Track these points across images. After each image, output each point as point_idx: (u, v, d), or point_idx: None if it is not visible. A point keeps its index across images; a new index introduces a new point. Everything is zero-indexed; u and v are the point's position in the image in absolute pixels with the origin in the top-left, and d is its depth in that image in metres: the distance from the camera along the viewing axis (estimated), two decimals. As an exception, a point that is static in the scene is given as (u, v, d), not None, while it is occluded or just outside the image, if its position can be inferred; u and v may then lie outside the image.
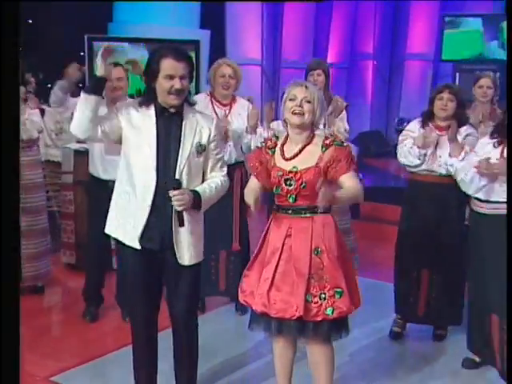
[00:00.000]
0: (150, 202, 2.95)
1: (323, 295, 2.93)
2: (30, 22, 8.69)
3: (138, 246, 2.99)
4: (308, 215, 2.99)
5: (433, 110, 4.04)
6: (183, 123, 2.99)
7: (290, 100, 2.97)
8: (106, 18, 8.41)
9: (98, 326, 4.43)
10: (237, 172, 4.50)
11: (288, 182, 2.95)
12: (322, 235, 2.96)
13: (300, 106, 2.93)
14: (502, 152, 3.42)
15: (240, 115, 4.50)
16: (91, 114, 2.91)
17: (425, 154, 3.98)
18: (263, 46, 9.75)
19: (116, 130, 3.00)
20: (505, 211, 3.34)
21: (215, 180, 3.06)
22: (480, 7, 9.86)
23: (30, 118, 4.67)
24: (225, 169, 3.14)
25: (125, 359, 3.38)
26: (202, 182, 3.06)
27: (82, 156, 5.20)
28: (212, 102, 4.46)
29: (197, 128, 3.01)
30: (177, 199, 2.87)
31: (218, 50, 8.50)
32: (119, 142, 3.05)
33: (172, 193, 2.87)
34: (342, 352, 3.57)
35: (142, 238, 3.00)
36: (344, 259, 3.03)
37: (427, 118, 4.09)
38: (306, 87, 2.97)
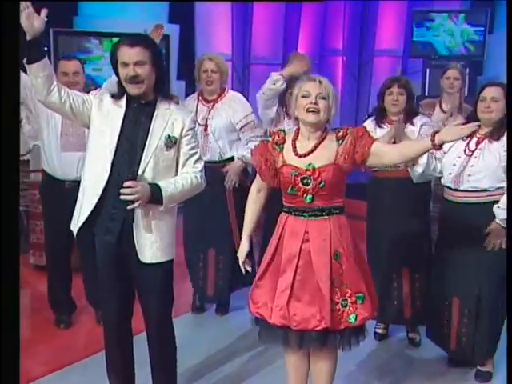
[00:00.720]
0: (99, 191, 2.77)
1: (345, 302, 2.77)
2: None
3: (74, 230, 2.88)
4: (325, 217, 2.78)
5: (383, 105, 3.96)
6: (154, 114, 2.82)
7: (303, 97, 2.74)
8: (72, 11, 8.18)
9: (72, 331, 4.26)
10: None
11: (305, 181, 2.73)
12: (339, 237, 2.78)
13: (315, 104, 2.71)
14: (468, 145, 3.54)
15: (224, 110, 4.28)
16: (44, 78, 2.70)
17: None
18: (233, 42, 9.64)
19: (84, 109, 2.83)
20: (474, 199, 3.49)
21: (185, 176, 2.86)
22: (448, 4, 9.89)
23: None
24: (199, 165, 2.91)
25: (100, 364, 3.19)
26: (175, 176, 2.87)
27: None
28: (198, 100, 4.29)
29: (169, 120, 2.82)
30: (127, 191, 2.68)
31: (188, 45, 8.37)
32: (85, 124, 2.89)
33: (123, 190, 2.68)
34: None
35: (101, 228, 2.84)
36: (361, 261, 2.87)
37: (380, 114, 4.01)
38: (320, 82, 2.75)
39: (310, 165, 2.73)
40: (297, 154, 2.78)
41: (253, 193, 3.00)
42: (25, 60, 2.67)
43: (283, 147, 2.83)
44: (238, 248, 3.74)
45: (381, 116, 3.98)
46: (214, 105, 4.31)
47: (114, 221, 2.82)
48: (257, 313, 2.88)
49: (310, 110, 2.72)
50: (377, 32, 10.46)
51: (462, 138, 3.46)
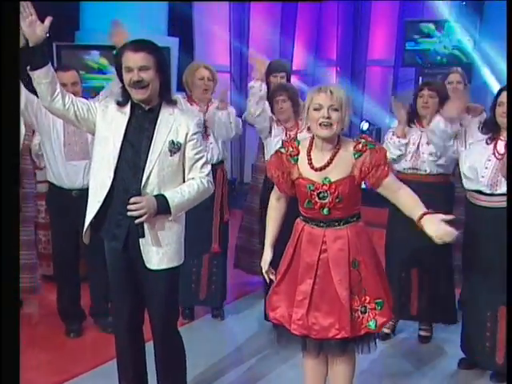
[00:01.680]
0: (102, 198, 2.72)
1: (363, 308, 2.71)
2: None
3: (85, 240, 2.83)
4: (342, 226, 2.71)
5: (415, 107, 4.01)
6: (158, 120, 2.76)
7: (315, 110, 2.63)
8: (73, 26, 8.15)
9: (82, 340, 4.19)
10: (218, 172, 4.29)
11: (321, 195, 2.65)
12: (357, 245, 2.71)
13: (328, 118, 2.60)
14: (495, 148, 3.46)
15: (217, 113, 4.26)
16: (46, 83, 2.66)
17: (406, 144, 3.95)
18: (231, 54, 9.63)
19: (89, 116, 2.79)
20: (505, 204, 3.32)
21: (191, 183, 2.79)
22: (437, 14, 9.90)
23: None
24: (206, 170, 2.84)
25: (112, 373, 3.13)
26: (183, 182, 2.80)
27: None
28: (191, 105, 4.26)
29: (173, 125, 2.76)
30: (133, 208, 2.64)
31: (187, 57, 8.34)
32: (91, 131, 2.85)
33: (129, 206, 2.64)
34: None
35: (108, 234, 2.81)
36: (378, 266, 2.80)
37: (411, 116, 4.04)
38: (332, 92, 2.61)
39: (326, 179, 2.65)
40: (312, 167, 2.69)
41: (272, 202, 2.94)
42: (28, 67, 2.63)
43: (298, 158, 2.74)
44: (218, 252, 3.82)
45: (412, 117, 4.02)
46: (207, 109, 4.29)
47: (120, 227, 2.76)
48: (275, 319, 2.83)
49: (322, 123, 2.61)
50: (369, 43, 10.42)
51: (486, 142, 3.48)
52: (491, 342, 3.55)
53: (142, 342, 3.01)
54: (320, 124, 2.62)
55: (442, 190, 3.91)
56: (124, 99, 2.80)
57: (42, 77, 2.64)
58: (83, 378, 3.60)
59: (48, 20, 2.62)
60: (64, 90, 2.78)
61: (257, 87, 4.09)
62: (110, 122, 2.77)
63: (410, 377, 3.68)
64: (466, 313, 3.78)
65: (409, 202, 2.68)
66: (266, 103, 4.19)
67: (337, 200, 2.64)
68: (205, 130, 4.20)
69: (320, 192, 2.66)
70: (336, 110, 2.61)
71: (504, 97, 3.40)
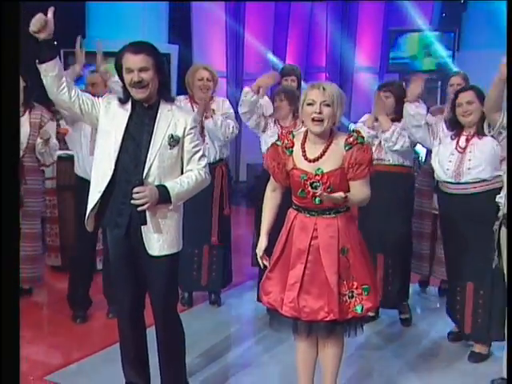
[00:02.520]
0: (102, 188, 2.71)
1: (351, 293, 2.69)
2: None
3: (89, 229, 2.82)
4: (333, 215, 2.70)
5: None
6: (157, 116, 2.75)
7: (309, 105, 2.62)
8: (80, 34, 8.12)
9: (87, 326, 4.17)
10: (217, 170, 4.28)
11: (314, 185, 2.63)
12: (347, 234, 2.69)
13: (320, 113, 2.59)
14: (458, 143, 3.62)
15: (215, 114, 4.26)
16: (55, 77, 2.65)
17: (375, 137, 3.99)
18: (227, 60, 9.61)
19: (93, 110, 2.78)
20: (475, 189, 3.53)
21: (190, 174, 2.78)
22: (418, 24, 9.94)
23: (53, 141, 4.35)
24: (203, 162, 2.83)
25: (116, 356, 3.10)
26: (182, 174, 2.80)
27: (64, 162, 4.95)
28: (191, 104, 4.23)
29: (172, 121, 2.75)
30: (136, 196, 2.63)
31: (186, 63, 8.33)
32: (94, 125, 2.85)
33: (133, 195, 2.64)
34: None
35: (111, 223, 2.79)
36: (365, 255, 2.78)
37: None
38: (324, 89, 2.59)
39: (318, 169, 2.64)
40: (306, 159, 2.68)
41: (268, 193, 2.93)
42: (37, 61, 2.62)
43: (293, 150, 2.73)
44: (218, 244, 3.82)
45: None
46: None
47: (121, 215, 2.74)
48: (268, 303, 2.81)
49: (314, 119, 2.61)
50: (356, 51, 10.46)
51: (451, 137, 3.64)
52: (461, 313, 3.70)
53: (143, 327, 2.99)
54: (313, 119, 2.61)
55: (403, 178, 4.02)
56: (125, 97, 2.78)
57: (48, 70, 2.63)
58: (89, 360, 3.59)
59: (51, 11, 2.58)
60: (71, 84, 2.77)
61: (249, 95, 4.09)
62: (112, 118, 2.76)
63: (395, 357, 3.69)
64: (450, 286, 3.93)
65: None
66: (263, 103, 4.26)
67: (328, 190, 2.61)
68: (201, 131, 4.18)
69: (313, 182, 2.64)
70: (328, 105, 2.60)
71: (462, 98, 3.56)
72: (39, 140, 4.23)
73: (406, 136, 3.91)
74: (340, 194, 2.54)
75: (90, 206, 2.77)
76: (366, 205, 3.98)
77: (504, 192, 3.32)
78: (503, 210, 3.14)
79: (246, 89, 4.13)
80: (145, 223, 2.70)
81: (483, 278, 3.54)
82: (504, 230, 3.14)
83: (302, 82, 4.66)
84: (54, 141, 4.34)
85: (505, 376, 3.25)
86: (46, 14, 2.55)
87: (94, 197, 2.76)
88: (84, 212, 4.06)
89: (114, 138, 2.72)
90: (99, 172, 2.77)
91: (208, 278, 4.39)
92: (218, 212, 4.36)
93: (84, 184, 3.95)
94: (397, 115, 3.99)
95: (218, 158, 4.31)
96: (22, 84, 4.21)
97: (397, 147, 3.93)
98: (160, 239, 2.76)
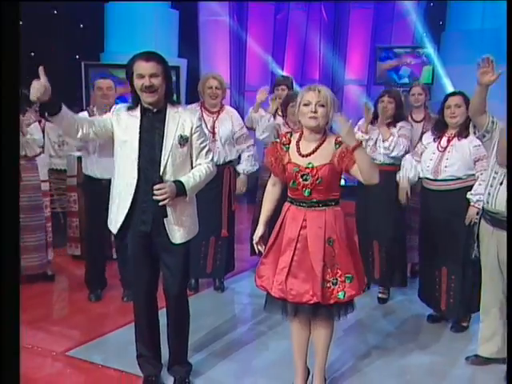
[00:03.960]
0: (132, 191, 2.71)
1: (335, 281, 2.67)
2: (33, 54, 8.33)
3: (114, 230, 2.80)
4: (321, 208, 2.69)
5: (377, 111, 4.08)
6: (166, 119, 2.74)
7: (305, 105, 2.62)
8: (99, 48, 8.14)
9: (103, 307, 4.17)
10: (226, 171, 4.30)
11: (304, 177, 2.64)
12: (334, 226, 2.67)
13: (315, 112, 2.60)
14: (439, 143, 3.65)
15: (226, 121, 4.27)
16: (66, 125, 2.67)
17: (366, 139, 4.01)
18: (231, 73, 9.60)
19: (107, 130, 2.76)
20: (450, 186, 3.54)
21: (200, 168, 2.80)
22: (404, 41, 9.94)
23: (32, 137, 4.31)
24: (210, 156, 2.86)
25: (129, 335, 3.10)
26: (192, 168, 2.80)
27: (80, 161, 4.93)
28: (202, 111, 4.21)
29: (179, 122, 2.75)
30: (158, 193, 2.63)
31: (194, 75, 8.34)
32: (111, 140, 2.81)
33: (155, 187, 2.64)
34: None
35: (137, 221, 2.77)
36: (352, 247, 2.77)
37: (374, 117, 4.11)
38: (319, 91, 2.61)
39: (309, 163, 2.65)
40: (300, 154, 2.69)
41: (269, 187, 2.92)
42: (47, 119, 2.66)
43: (289, 147, 2.74)
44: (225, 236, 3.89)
45: (374, 118, 4.10)
46: (217, 116, 4.26)
47: (146, 213, 2.75)
48: (261, 285, 2.80)
49: (310, 116, 2.61)
50: (346, 65, 10.44)
51: (434, 139, 3.67)
52: (438, 292, 3.76)
53: (155, 308, 2.99)
54: (309, 117, 2.62)
55: (393, 176, 4.01)
56: (134, 103, 2.77)
57: (58, 121, 2.63)
58: (106, 338, 3.59)
59: (42, 74, 2.47)
60: (81, 121, 2.74)
61: (265, 118, 4.30)
62: (125, 128, 2.75)
63: (380, 334, 3.69)
64: (421, 271, 4.01)
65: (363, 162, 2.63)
66: (271, 119, 4.43)
67: (317, 181, 2.62)
68: (213, 135, 4.19)
69: (303, 174, 2.64)
70: (322, 105, 2.61)
71: (450, 101, 3.60)
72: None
73: (401, 144, 3.96)
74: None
75: (124, 212, 2.75)
76: (363, 200, 4.12)
77: (476, 189, 3.42)
78: (483, 206, 3.15)
79: (264, 114, 4.31)
80: (166, 216, 2.72)
81: (455, 263, 3.60)
82: (483, 223, 3.15)
83: (299, 89, 4.68)
84: (36, 136, 4.34)
85: (479, 353, 3.29)
86: (38, 77, 2.46)
87: (125, 203, 2.74)
88: (91, 206, 4.10)
89: (131, 146, 2.72)
90: (125, 180, 2.75)
91: (212, 266, 4.39)
92: (227, 207, 4.36)
93: (92, 182, 4.07)
94: (396, 118, 4.03)
95: (227, 159, 4.30)
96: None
97: (393, 154, 4.00)
98: (181, 229, 2.79)
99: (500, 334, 3.17)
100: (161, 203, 2.66)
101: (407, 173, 3.87)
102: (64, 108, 2.60)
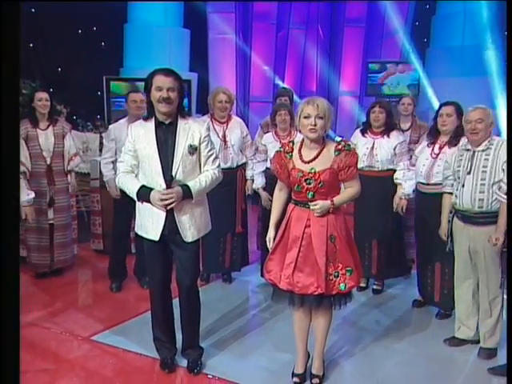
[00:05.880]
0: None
1: (337, 273, 2.67)
2: (60, 69, 8.35)
3: (157, 239, 2.79)
4: None
5: (369, 120, 4.03)
6: (177, 130, 2.74)
7: (305, 118, 2.61)
8: (118, 64, 8.15)
9: (123, 296, 4.17)
10: (238, 173, 4.31)
11: (308, 181, 2.63)
12: (335, 224, 2.66)
13: (314, 125, 2.59)
14: (433, 150, 3.60)
15: (236, 129, 4.27)
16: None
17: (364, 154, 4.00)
18: (237, 85, 9.60)
19: (135, 156, 2.80)
20: (440, 190, 3.44)
21: (207, 173, 2.80)
22: (392, 56, 9.93)
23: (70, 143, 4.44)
24: (216, 163, 2.85)
25: (147, 322, 3.10)
26: (200, 173, 2.81)
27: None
28: (212, 121, 4.20)
29: (189, 133, 2.75)
30: (166, 197, 2.67)
31: (204, 87, 8.35)
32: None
33: (163, 193, 2.68)
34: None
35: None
36: (350, 243, 2.76)
37: (366, 127, 4.08)
38: (318, 105, 2.60)
39: (312, 169, 2.64)
40: (303, 161, 2.68)
41: (276, 191, 2.92)
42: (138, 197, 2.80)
43: (292, 155, 2.73)
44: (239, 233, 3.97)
45: (367, 127, 4.06)
46: (227, 125, 4.25)
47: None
48: (269, 279, 2.79)
49: (310, 129, 2.61)
50: (340, 77, 10.43)
51: (428, 145, 3.65)
52: (432, 286, 3.75)
53: (170, 297, 3.00)
54: (309, 129, 2.62)
55: (390, 180, 4.00)
56: (149, 114, 2.79)
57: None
58: (126, 325, 3.59)
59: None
60: (134, 170, 2.83)
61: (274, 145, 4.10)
62: (145, 145, 2.75)
63: (372, 322, 3.67)
64: (419, 267, 3.93)
65: (343, 193, 2.73)
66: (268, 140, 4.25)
67: (319, 185, 2.62)
68: (224, 143, 4.19)
69: (307, 178, 2.64)
70: (321, 117, 2.60)
71: (443, 110, 3.57)
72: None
73: (405, 168, 3.92)
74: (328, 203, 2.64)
75: (160, 221, 2.76)
76: (362, 203, 4.03)
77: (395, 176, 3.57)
78: (456, 206, 3.19)
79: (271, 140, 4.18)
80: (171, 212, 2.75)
81: (448, 259, 3.53)
82: (455, 220, 3.22)
83: (298, 99, 4.68)
84: (71, 143, 4.47)
85: (456, 336, 3.34)
86: None
87: (161, 213, 2.75)
88: (116, 205, 4.12)
89: (154, 159, 2.73)
90: (155, 187, 2.75)
91: (230, 261, 4.38)
92: (241, 207, 4.36)
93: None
94: (387, 127, 3.98)
95: (239, 163, 4.30)
96: (48, 103, 4.25)
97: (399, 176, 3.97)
98: (191, 227, 2.80)
99: (474, 319, 3.24)
100: (168, 207, 2.69)
101: (407, 191, 3.88)
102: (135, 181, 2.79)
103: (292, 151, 2.74)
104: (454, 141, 3.51)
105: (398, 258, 4.22)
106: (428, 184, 3.59)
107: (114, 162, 4.01)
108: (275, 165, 2.79)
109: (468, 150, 3.11)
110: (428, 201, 3.61)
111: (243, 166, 4.35)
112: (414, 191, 3.86)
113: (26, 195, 3.49)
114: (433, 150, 3.60)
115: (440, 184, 3.49)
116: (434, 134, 3.64)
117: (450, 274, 3.56)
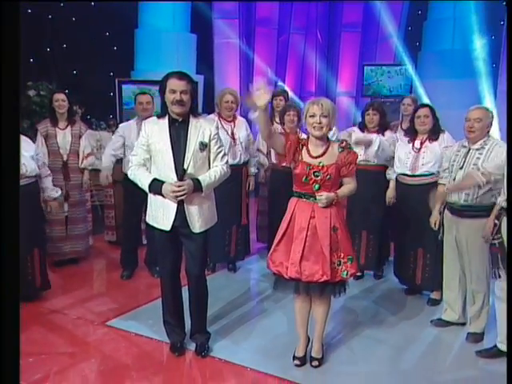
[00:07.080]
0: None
1: (339, 262, 2.68)
2: (75, 72, 8.34)
3: (168, 229, 2.79)
4: None
5: (364, 121, 4.06)
6: (189, 128, 2.74)
7: (311, 116, 2.64)
8: (130, 67, 8.13)
9: (135, 284, 4.18)
10: (244, 169, 4.32)
11: (316, 174, 2.65)
12: (337, 216, 2.69)
13: (319, 123, 2.62)
14: (413, 145, 3.68)
15: (242, 127, 4.29)
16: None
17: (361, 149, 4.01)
18: (240, 87, 9.52)
19: (148, 150, 2.79)
20: (425, 181, 3.55)
21: (216, 169, 2.80)
22: (387, 59, 9.87)
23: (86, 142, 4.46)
24: (225, 159, 2.85)
25: (158, 308, 3.10)
26: (209, 168, 2.80)
27: (117, 162, 4.89)
28: (220, 120, 4.19)
29: (200, 130, 2.75)
30: (178, 189, 2.67)
31: (209, 89, 8.33)
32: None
33: (175, 185, 2.67)
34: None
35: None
36: (348, 233, 2.78)
37: (362, 127, 4.09)
38: (322, 105, 2.62)
39: (320, 163, 2.66)
40: (311, 156, 2.70)
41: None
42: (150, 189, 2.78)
43: (303, 148, 2.72)
44: (244, 224, 4.02)
45: (363, 127, 4.06)
46: (234, 124, 4.25)
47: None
48: (276, 270, 2.78)
49: (315, 127, 2.64)
50: (338, 79, 10.39)
51: (408, 141, 3.73)
52: (413, 270, 3.80)
53: (179, 285, 3.00)
54: (314, 127, 2.64)
55: (382, 174, 4.02)
56: (163, 113, 2.79)
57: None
58: (138, 311, 3.60)
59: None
60: (146, 164, 2.82)
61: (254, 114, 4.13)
62: (159, 139, 2.76)
63: (366, 309, 3.68)
64: (397, 252, 4.00)
65: (344, 188, 2.75)
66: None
67: (327, 177, 2.65)
68: (233, 140, 4.18)
69: (315, 171, 2.65)
70: (325, 116, 2.62)
71: (420, 112, 3.63)
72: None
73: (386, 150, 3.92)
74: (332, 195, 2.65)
75: (172, 212, 2.76)
76: (355, 193, 4.05)
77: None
78: (449, 198, 3.22)
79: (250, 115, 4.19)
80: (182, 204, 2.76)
81: (430, 244, 3.60)
82: (446, 212, 3.25)
83: (298, 100, 4.67)
84: (85, 142, 4.48)
85: (442, 318, 3.37)
86: None
87: (173, 205, 2.75)
88: (129, 199, 4.11)
89: (167, 153, 2.73)
90: (167, 181, 2.73)
91: (235, 251, 4.41)
92: (245, 200, 4.38)
93: (129, 178, 4.02)
94: (381, 127, 3.99)
95: (246, 160, 4.32)
96: (66, 105, 4.26)
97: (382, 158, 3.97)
98: (199, 219, 2.80)
99: (459, 304, 3.29)
100: (178, 198, 2.69)
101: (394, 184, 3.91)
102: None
103: (304, 145, 2.73)
104: (433, 136, 3.62)
105: (385, 248, 4.29)
106: (414, 176, 3.64)
107: (114, 156, 4.14)
108: (292, 139, 2.71)
109: (465, 146, 3.15)
110: (413, 191, 3.65)
111: (247, 163, 4.37)
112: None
113: (55, 192, 3.75)
114: (413, 145, 3.66)
115: (424, 175, 3.56)
116: (412, 133, 3.71)
117: (431, 259, 3.65)
